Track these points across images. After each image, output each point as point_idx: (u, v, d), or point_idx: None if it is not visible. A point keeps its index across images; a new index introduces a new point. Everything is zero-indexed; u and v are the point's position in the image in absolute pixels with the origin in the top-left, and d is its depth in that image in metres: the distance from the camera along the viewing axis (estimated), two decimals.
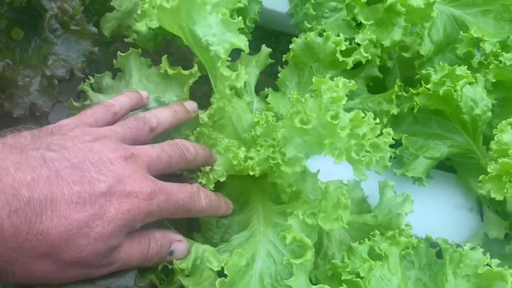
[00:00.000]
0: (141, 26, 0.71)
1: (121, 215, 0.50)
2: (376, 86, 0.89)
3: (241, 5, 0.79)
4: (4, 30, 0.65)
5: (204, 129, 0.68)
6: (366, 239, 0.65)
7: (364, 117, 0.60)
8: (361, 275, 0.58)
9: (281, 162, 0.65)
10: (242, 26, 0.66)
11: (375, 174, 0.69)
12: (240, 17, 0.66)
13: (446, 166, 0.91)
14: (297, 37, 0.80)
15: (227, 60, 0.67)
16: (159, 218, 0.56)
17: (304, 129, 0.62)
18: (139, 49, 0.75)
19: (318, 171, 0.75)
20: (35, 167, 0.47)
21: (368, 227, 0.72)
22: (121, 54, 0.72)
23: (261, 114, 0.73)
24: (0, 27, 0.65)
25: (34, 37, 0.66)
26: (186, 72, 0.70)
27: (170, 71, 0.70)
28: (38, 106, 0.57)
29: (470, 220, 0.87)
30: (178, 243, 0.59)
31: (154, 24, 0.70)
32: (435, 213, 0.86)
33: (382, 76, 0.86)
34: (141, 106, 0.68)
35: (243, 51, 0.68)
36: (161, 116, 0.65)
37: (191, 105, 0.71)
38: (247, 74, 0.70)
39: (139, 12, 0.73)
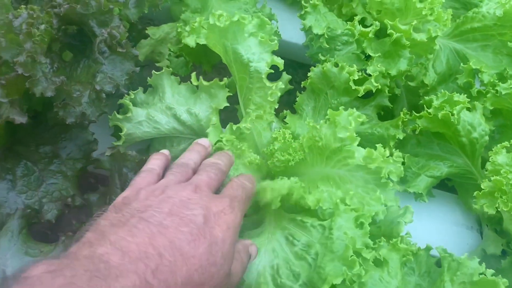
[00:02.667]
0: (190, 41, 0.80)
1: (227, 233, 0.56)
2: (386, 114, 0.97)
3: None
4: (57, 53, 0.75)
5: (233, 138, 0.76)
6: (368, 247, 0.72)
7: (375, 154, 0.68)
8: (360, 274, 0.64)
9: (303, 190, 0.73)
10: (277, 48, 0.76)
11: None
12: (276, 41, 0.76)
13: (447, 187, 0.97)
14: (311, 66, 0.90)
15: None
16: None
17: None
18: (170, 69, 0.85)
19: None
20: (143, 229, 0.51)
21: (372, 237, 0.78)
22: (156, 72, 0.82)
23: (279, 131, 0.81)
24: (54, 50, 0.75)
25: (82, 59, 0.77)
26: (221, 83, 0.80)
27: (204, 83, 0.79)
28: (87, 115, 0.66)
29: (470, 237, 0.93)
30: (252, 246, 0.67)
31: (202, 41, 0.79)
32: (436, 230, 0.93)
33: (391, 105, 0.95)
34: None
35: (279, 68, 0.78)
36: (190, 157, 0.71)
37: (205, 141, 0.76)
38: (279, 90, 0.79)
39: (187, 29, 0.83)
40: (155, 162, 0.69)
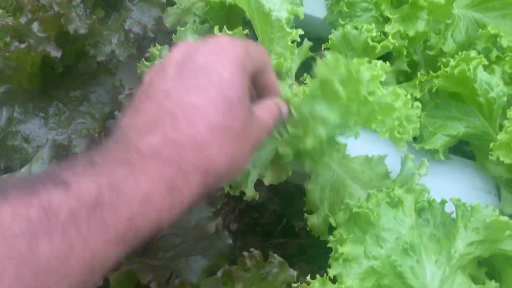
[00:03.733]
0: None
1: (234, 73, 0.50)
2: (404, 82, 0.98)
3: None
4: (90, 8, 0.80)
5: None
6: (384, 188, 0.73)
7: (399, 91, 0.70)
8: (370, 207, 0.66)
9: None
10: (298, 1, 0.80)
11: (396, 151, 0.78)
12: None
13: (465, 153, 0.98)
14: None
15: None
16: None
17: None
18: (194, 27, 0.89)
19: (346, 145, 0.85)
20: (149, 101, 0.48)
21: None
22: (180, 29, 0.86)
23: (299, 88, 0.84)
24: (88, 5, 0.80)
25: (113, 14, 0.81)
26: (243, 31, 0.84)
27: (228, 32, 0.83)
28: (116, 54, 0.71)
29: (488, 201, 0.92)
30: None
31: None
32: (454, 193, 0.91)
33: (410, 70, 0.96)
34: None
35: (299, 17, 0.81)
36: None
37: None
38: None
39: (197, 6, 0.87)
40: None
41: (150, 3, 0.74)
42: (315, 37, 1.24)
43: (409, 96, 0.73)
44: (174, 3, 1.03)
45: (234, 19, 1.04)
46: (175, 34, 0.90)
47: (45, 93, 0.77)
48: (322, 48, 0.96)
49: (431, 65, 1.03)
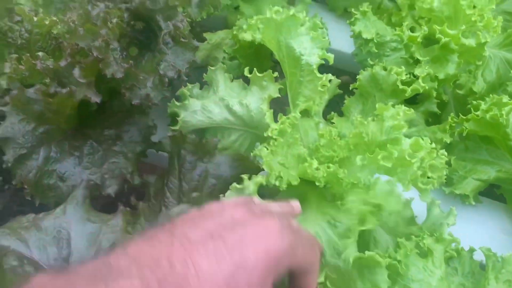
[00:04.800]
0: (247, 36, 0.87)
1: (262, 259, 0.47)
2: (433, 121, 0.98)
3: None
4: (125, 47, 0.83)
5: (286, 127, 0.79)
6: (413, 236, 0.73)
7: (422, 143, 0.70)
8: (399, 259, 0.65)
9: (345, 179, 0.75)
10: (328, 45, 0.80)
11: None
12: (327, 38, 0.80)
13: (496, 196, 0.96)
14: (357, 75, 0.93)
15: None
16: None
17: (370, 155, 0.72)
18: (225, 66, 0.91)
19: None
20: (165, 241, 0.47)
21: (414, 236, 0.79)
22: (211, 68, 0.88)
23: (326, 128, 0.84)
24: (123, 44, 0.82)
25: (147, 53, 0.84)
26: (273, 74, 0.85)
27: (258, 74, 0.84)
28: (151, 97, 0.73)
29: None
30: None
31: (258, 36, 0.86)
32: (482, 236, 0.91)
33: (439, 112, 0.96)
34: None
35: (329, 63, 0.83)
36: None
37: (297, 204, 0.66)
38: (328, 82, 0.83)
39: (244, 26, 0.90)
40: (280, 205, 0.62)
41: (184, 47, 0.76)
42: (342, 70, 1.25)
43: (433, 145, 0.73)
44: (205, 39, 1.05)
45: (262, 57, 1.06)
46: (206, 73, 0.92)
47: (80, 131, 0.79)
48: (350, 88, 0.97)
49: (461, 104, 1.03)
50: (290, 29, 0.82)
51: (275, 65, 1.09)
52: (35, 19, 0.75)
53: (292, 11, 0.81)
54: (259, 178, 0.73)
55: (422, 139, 0.73)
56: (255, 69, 0.86)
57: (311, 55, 0.82)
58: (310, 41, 0.83)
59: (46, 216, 0.67)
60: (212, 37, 1.10)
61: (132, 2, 0.77)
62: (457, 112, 1.03)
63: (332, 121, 0.96)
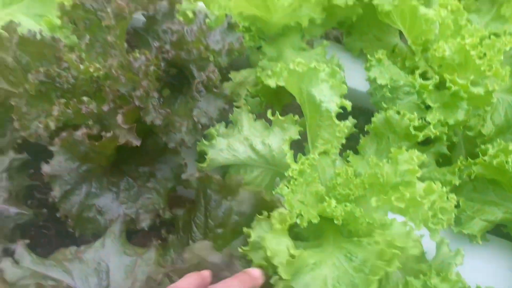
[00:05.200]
0: (271, 82, 0.94)
1: None
2: (444, 162, 1.04)
3: None
4: (159, 90, 0.90)
5: (305, 167, 0.86)
6: (421, 275, 0.78)
7: (434, 187, 0.77)
8: None
9: (362, 218, 0.81)
10: (345, 92, 0.88)
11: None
12: (345, 87, 0.88)
13: (502, 234, 1.01)
14: (372, 112, 1.00)
15: None
16: None
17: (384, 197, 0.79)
18: (248, 107, 0.98)
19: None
20: None
21: (422, 274, 0.85)
22: (236, 109, 0.95)
23: (342, 167, 0.91)
24: (157, 88, 0.90)
25: (179, 96, 0.91)
26: (294, 118, 0.93)
27: (280, 118, 0.92)
28: (185, 141, 0.80)
29: None
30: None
31: (281, 83, 0.93)
32: (489, 274, 0.96)
33: (449, 153, 1.02)
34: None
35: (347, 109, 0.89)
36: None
37: (256, 272, 0.74)
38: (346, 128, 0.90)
39: (269, 72, 0.97)
40: (189, 281, 0.67)
41: (216, 95, 0.83)
42: (357, 107, 1.32)
43: (444, 189, 0.79)
44: (230, 79, 1.13)
45: (282, 95, 1.13)
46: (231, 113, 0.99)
47: (116, 168, 0.86)
48: (365, 129, 1.03)
49: (471, 144, 1.09)
50: (311, 79, 0.89)
51: (292, 102, 1.16)
52: (82, 66, 0.83)
53: (313, 64, 0.88)
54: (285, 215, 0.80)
55: (434, 182, 0.79)
56: (277, 112, 0.93)
57: (330, 102, 0.89)
58: (329, 89, 0.90)
59: (87, 249, 0.74)
60: (236, 76, 1.18)
61: (168, 53, 0.85)
62: (467, 153, 1.09)
63: (347, 159, 1.02)
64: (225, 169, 1.00)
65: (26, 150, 0.87)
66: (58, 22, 0.95)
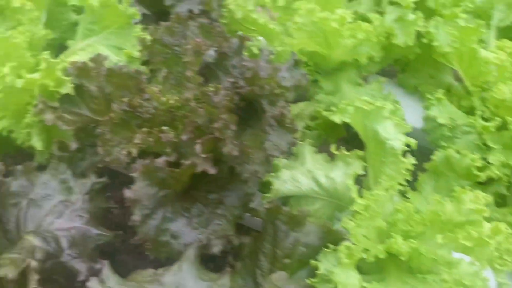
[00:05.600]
0: (337, 118, 0.98)
1: None
2: (501, 203, 1.05)
3: None
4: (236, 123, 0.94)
5: (369, 203, 0.88)
6: None
7: (501, 227, 0.78)
8: None
9: (426, 255, 0.83)
10: (410, 131, 0.92)
11: None
12: (409, 125, 0.92)
13: None
14: (425, 150, 1.02)
15: None
16: None
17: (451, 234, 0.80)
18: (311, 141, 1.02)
19: None
20: None
21: None
22: (300, 143, 0.99)
23: (403, 204, 0.93)
24: (235, 121, 0.93)
25: (247, 127, 0.96)
26: (359, 153, 0.96)
27: (345, 152, 0.95)
28: (258, 172, 0.84)
29: None
30: None
31: (346, 119, 0.97)
32: None
33: (508, 194, 1.03)
34: None
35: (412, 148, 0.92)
36: None
37: None
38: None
39: (334, 109, 1.02)
40: None
41: (286, 129, 0.88)
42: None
43: (510, 230, 0.81)
44: None
45: (339, 130, 1.17)
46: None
47: (188, 194, 0.91)
48: (423, 166, 1.06)
49: None
50: (377, 116, 0.93)
51: (347, 134, 1.20)
52: (163, 99, 0.88)
53: (378, 103, 0.92)
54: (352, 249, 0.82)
55: (500, 223, 0.81)
56: (342, 148, 0.97)
57: (395, 140, 0.92)
58: (394, 127, 0.93)
59: (166, 272, 0.78)
60: (294, 108, 1.22)
61: (243, 88, 0.90)
62: None
63: (406, 195, 1.04)
64: (285, 200, 1.04)
65: (105, 174, 0.92)
66: (137, 54, 1.02)
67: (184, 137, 0.85)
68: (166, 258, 0.86)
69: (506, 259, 0.80)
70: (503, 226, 0.80)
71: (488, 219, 0.97)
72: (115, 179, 0.95)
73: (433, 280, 0.82)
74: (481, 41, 1.14)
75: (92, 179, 0.90)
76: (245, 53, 1.08)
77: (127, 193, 0.82)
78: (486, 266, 0.80)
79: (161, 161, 0.83)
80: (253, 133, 0.93)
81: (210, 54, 1.03)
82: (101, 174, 0.92)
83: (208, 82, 1.01)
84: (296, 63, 1.05)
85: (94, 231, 0.85)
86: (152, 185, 0.84)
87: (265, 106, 0.91)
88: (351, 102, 0.96)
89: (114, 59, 1.03)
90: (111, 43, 1.11)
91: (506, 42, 1.12)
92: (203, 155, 0.81)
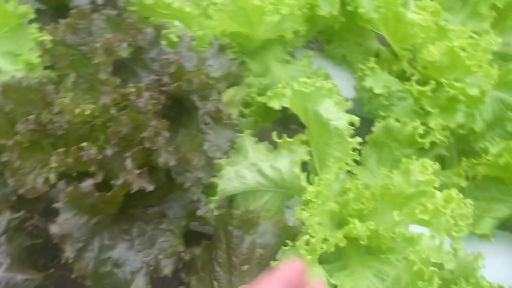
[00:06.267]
0: (275, 104, 0.91)
1: None
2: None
3: None
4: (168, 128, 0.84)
5: (321, 189, 0.84)
6: (453, 286, 0.79)
7: (453, 195, 0.77)
8: None
9: (386, 234, 0.80)
10: (351, 107, 0.87)
11: None
12: (350, 101, 0.88)
13: (506, 227, 1.04)
14: (365, 122, 0.98)
15: None
16: None
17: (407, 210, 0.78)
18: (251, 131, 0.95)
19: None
20: None
21: (446, 281, 0.85)
22: (240, 135, 0.91)
23: (352, 182, 0.90)
24: (166, 126, 0.83)
25: (180, 128, 0.86)
26: (302, 139, 0.90)
27: (287, 139, 0.89)
28: (201, 179, 0.76)
29: None
30: None
31: (285, 104, 0.90)
32: (501, 269, 0.99)
33: (449, 155, 1.03)
34: None
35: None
36: None
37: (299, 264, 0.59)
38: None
39: (269, 93, 0.95)
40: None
41: (225, 126, 0.79)
42: None
43: (461, 195, 0.80)
44: None
45: (273, 114, 1.10)
46: None
47: (125, 213, 0.80)
48: (367, 140, 1.03)
49: (461, 142, 1.11)
50: (316, 97, 0.87)
51: (284, 116, 1.14)
52: (77, 110, 0.76)
53: (318, 82, 0.86)
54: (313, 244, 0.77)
55: (449, 189, 0.80)
56: (284, 135, 0.90)
57: (338, 119, 0.87)
58: (335, 106, 0.88)
59: None
60: (224, 96, 1.13)
61: (168, 85, 0.80)
62: (457, 150, 1.12)
63: (352, 172, 1.01)
64: (230, 197, 0.97)
65: (22, 207, 0.79)
66: (37, 60, 0.87)
67: (109, 152, 0.74)
68: None
69: (461, 225, 0.80)
70: (454, 192, 0.79)
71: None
72: (35, 209, 0.82)
73: (396, 259, 0.80)
74: (404, 4, 1.11)
75: (7, 216, 0.76)
76: (163, 42, 0.98)
77: (53, 228, 0.70)
78: (444, 236, 0.79)
79: (87, 185, 0.71)
80: (189, 135, 0.84)
81: (123, 49, 0.91)
82: (17, 207, 0.79)
83: (127, 83, 0.89)
84: (222, 48, 0.96)
85: (20, 277, 0.73)
86: (80, 214, 0.73)
87: (197, 103, 0.82)
88: (286, 85, 0.90)
89: (9, 69, 0.88)
90: (3, 50, 0.94)
91: (426, 2, 1.11)
92: (135, 171, 0.71)
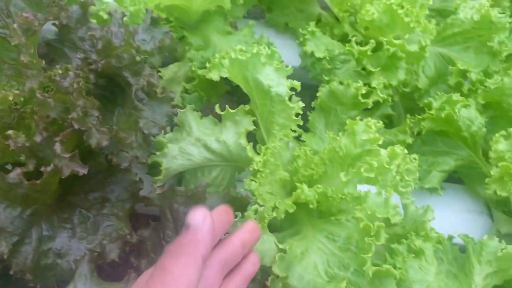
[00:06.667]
0: (214, 75, 0.88)
1: None
2: (387, 122, 1.06)
3: None
4: (98, 107, 0.80)
5: (268, 158, 0.82)
6: (403, 240, 0.79)
7: (397, 151, 0.77)
8: (399, 266, 0.72)
9: (334, 196, 0.80)
10: (291, 73, 0.85)
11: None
12: (290, 67, 0.86)
13: (454, 179, 1.07)
14: (308, 87, 0.98)
15: None
16: None
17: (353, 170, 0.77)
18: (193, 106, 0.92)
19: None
20: None
21: (398, 236, 0.86)
22: (180, 110, 0.88)
23: (300, 149, 0.89)
24: (96, 105, 0.79)
25: (116, 108, 0.83)
26: (246, 109, 0.87)
27: (231, 111, 0.86)
28: (139, 158, 0.72)
29: (482, 222, 1.02)
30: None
31: (224, 74, 0.88)
32: (451, 219, 1.01)
33: (394, 113, 1.04)
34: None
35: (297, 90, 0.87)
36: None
37: (252, 225, 0.65)
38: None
39: (207, 65, 0.93)
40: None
41: (161, 100, 0.76)
42: None
43: (406, 151, 0.80)
44: (161, 77, 1.05)
45: (220, 87, 1.08)
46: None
47: (64, 201, 0.76)
48: (312, 105, 1.02)
49: (407, 99, 1.12)
50: (255, 65, 0.85)
51: (230, 88, 1.11)
52: (0, 96, 0.71)
53: (255, 49, 0.84)
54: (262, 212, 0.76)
55: (394, 145, 0.80)
56: (227, 106, 0.88)
57: (279, 86, 0.85)
58: (275, 72, 0.86)
59: None
60: (165, 73, 1.10)
61: (97, 63, 0.76)
62: (404, 108, 1.13)
63: (300, 139, 1.00)
64: (179, 176, 0.94)
65: None
66: None
67: (37, 138, 0.69)
68: (59, 282, 0.73)
69: (408, 180, 0.80)
70: (398, 148, 0.79)
71: (383, 144, 0.98)
72: None
73: (346, 219, 0.80)
74: None
75: None
76: (93, 21, 0.92)
77: None
78: (391, 192, 0.79)
79: (15, 174, 0.67)
80: (124, 114, 0.80)
81: (47, 30, 0.86)
82: None
83: (56, 65, 0.84)
84: (154, 22, 0.91)
85: None
86: (12, 206, 0.69)
87: (129, 79, 0.78)
88: (224, 55, 0.87)
89: None
90: None
91: None
92: (66, 155, 0.67)
